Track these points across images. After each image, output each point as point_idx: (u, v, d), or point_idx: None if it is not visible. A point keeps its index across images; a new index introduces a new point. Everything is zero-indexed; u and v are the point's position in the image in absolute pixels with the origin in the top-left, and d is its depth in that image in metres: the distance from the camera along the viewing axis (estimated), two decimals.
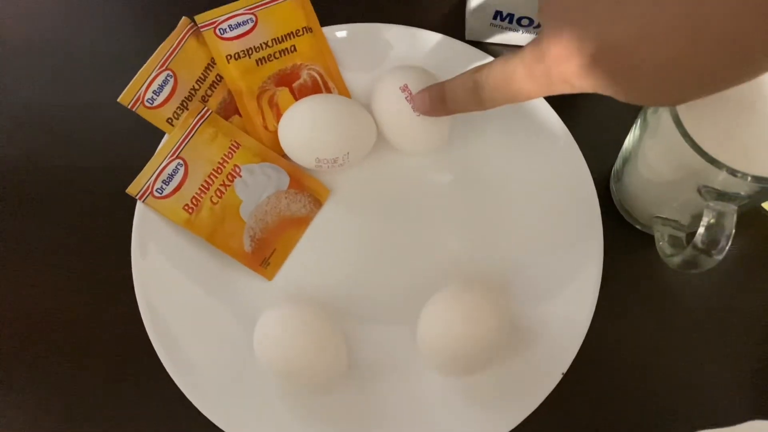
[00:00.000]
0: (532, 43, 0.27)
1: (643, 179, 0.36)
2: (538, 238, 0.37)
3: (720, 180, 0.30)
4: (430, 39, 0.41)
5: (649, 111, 0.34)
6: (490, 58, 0.40)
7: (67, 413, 0.37)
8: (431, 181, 0.40)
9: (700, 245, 0.31)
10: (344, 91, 0.41)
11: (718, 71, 0.22)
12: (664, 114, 0.31)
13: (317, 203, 0.39)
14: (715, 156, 0.29)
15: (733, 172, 0.29)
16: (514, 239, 0.38)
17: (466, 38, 0.44)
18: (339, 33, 0.41)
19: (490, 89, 0.30)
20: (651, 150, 0.34)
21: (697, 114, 0.30)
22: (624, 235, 0.39)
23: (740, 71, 0.22)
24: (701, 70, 0.22)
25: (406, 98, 0.37)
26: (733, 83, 0.23)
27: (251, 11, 0.39)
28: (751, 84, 0.31)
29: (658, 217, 0.37)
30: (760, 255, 0.39)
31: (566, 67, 0.25)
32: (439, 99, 0.33)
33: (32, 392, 0.38)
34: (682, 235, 0.36)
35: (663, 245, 0.35)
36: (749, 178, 0.29)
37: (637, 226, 0.40)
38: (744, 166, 0.29)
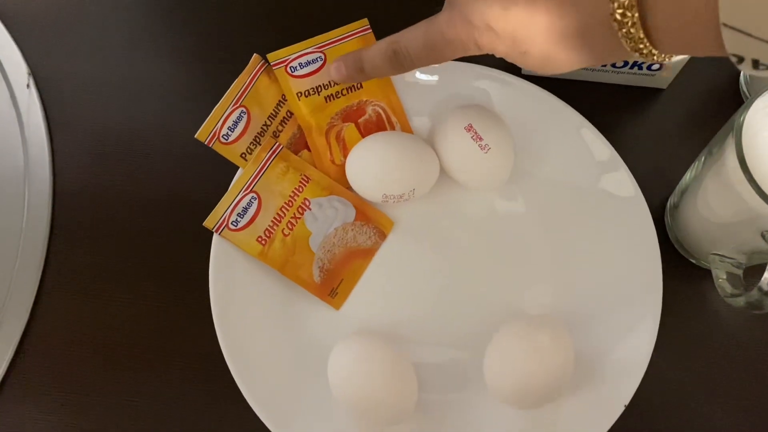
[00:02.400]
0: (445, 13, 0.30)
1: (701, 217, 0.38)
2: (601, 277, 0.39)
3: None
4: (491, 76, 0.42)
5: (715, 149, 0.35)
6: (553, 98, 0.41)
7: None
8: (494, 216, 0.41)
9: (766, 288, 0.32)
10: (407, 127, 0.42)
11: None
12: (730, 156, 0.32)
13: (382, 235, 0.41)
14: None
15: None
16: (577, 276, 0.39)
17: (523, 73, 0.45)
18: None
19: (410, 55, 0.32)
20: (712, 190, 0.36)
21: (763, 157, 0.32)
22: (679, 267, 0.40)
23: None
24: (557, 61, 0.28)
25: (471, 137, 0.38)
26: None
27: (320, 50, 0.41)
28: None
29: (715, 254, 0.38)
30: None
31: (481, 38, 0.29)
32: (356, 68, 0.35)
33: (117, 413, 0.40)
34: (739, 272, 0.37)
35: (723, 284, 0.36)
36: None
37: (692, 260, 0.41)
38: None
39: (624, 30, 0.25)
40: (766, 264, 0.32)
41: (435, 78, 0.42)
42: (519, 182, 0.41)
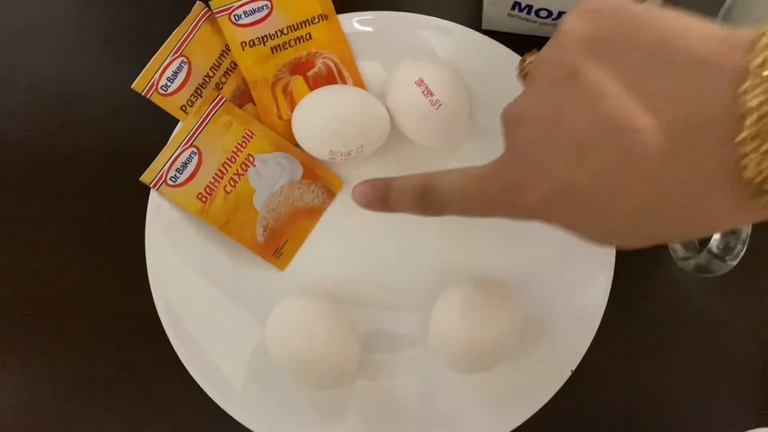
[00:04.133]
0: (496, 164, 0.26)
1: None
2: (551, 236, 0.37)
3: None
4: (447, 29, 0.40)
5: None
6: (506, 51, 0.39)
7: (74, 394, 0.38)
8: None
9: (714, 250, 0.31)
10: (359, 81, 0.40)
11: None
12: None
13: (330, 194, 0.39)
14: None
15: None
16: (526, 236, 0.38)
17: (483, 27, 0.43)
18: (355, 21, 0.40)
19: (442, 199, 0.28)
20: None
21: None
22: None
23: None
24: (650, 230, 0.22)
25: (422, 92, 0.37)
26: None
27: None
28: None
29: None
30: None
31: (527, 196, 0.24)
32: (381, 198, 0.30)
33: (42, 372, 0.38)
34: (693, 239, 0.36)
35: (676, 247, 0.35)
36: None
37: None
38: None
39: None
40: None
41: (388, 29, 0.40)
42: (473, 140, 0.40)
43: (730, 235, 0.31)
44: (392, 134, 0.39)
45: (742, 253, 0.31)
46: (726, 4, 0.38)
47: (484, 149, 0.40)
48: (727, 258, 0.31)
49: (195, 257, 0.37)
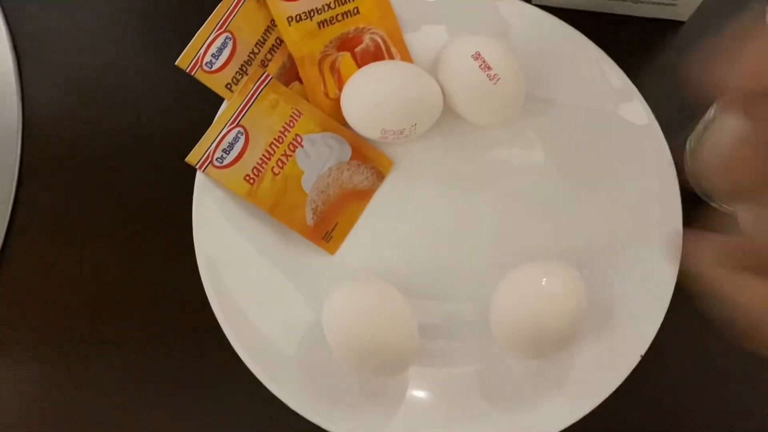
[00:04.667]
0: None
1: (722, 156, 0.35)
2: (616, 218, 0.36)
3: None
4: (498, 3, 0.38)
5: None
6: (559, 23, 0.37)
7: (124, 384, 0.37)
8: (501, 156, 0.38)
9: None
10: (407, 57, 0.39)
11: None
12: None
13: (380, 176, 0.38)
14: None
15: None
16: (590, 216, 0.36)
17: (535, 2, 0.42)
18: None
19: None
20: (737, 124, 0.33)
21: None
22: (700, 211, 0.38)
23: None
24: None
25: (479, 67, 0.35)
26: None
27: None
28: None
29: None
30: None
31: None
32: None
33: (93, 362, 0.37)
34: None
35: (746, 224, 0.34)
36: None
37: (713, 204, 0.38)
38: None
39: None
40: None
41: (439, 2, 0.38)
42: (529, 117, 0.38)
43: None
44: (444, 112, 0.37)
45: None
46: None
47: (537, 127, 0.38)
48: None
49: (243, 244, 0.36)
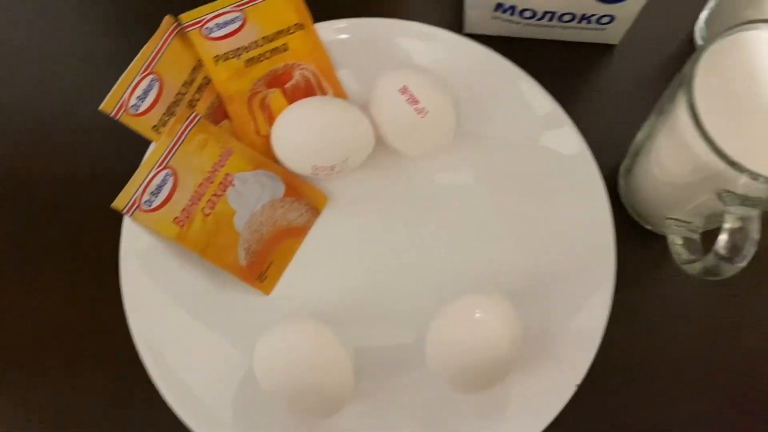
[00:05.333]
0: None
1: (655, 179, 0.35)
2: (550, 246, 0.36)
3: (741, 184, 0.29)
4: (428, 34, 0.38)
5: (666, 105, 0.32)
6: (490, 53, 0.38)
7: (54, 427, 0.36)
8: (434, 185, 0.38)
9: (721, 252, 0.29)
10: (339, 91, 0.39)
11: None
12: (682, 111, 0.29)
13: (315, 211, 0.38)
14: (736, 159, 0.28)
15: (755, 176, 0.28)
16: (523, 246, 0.36)
17: (465, 31, 0.42)
18: (333, 30, 0.38)
19: None
20: (666, 149, 0.33)
21: (717, 114, 0.29)
22: (633, 233, 0.38)
23: None
24: None
25: (407, 101, 0.35)
26: None
27: (239, 8, 0.37)
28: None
29: (671, 218, 0.35)
30: None
31: None
32: None
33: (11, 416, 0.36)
34: (696, 237, 0.35)
35: (679, 249, 0.34)
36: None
37: (647, 226, 0.38)
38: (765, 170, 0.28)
39: None
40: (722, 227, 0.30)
41: (368, 37, 0.39)
42: (461, 147, 0.38)
43: (738, 233, 0.29)
44: (376, 145, 0.37)
45: (751, 254, 0.29)
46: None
47: (469, 156, 0.38)
48: (734, 260, 0.30)
49: (174, 289, 0.35)
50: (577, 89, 0.41)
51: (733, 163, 0.28)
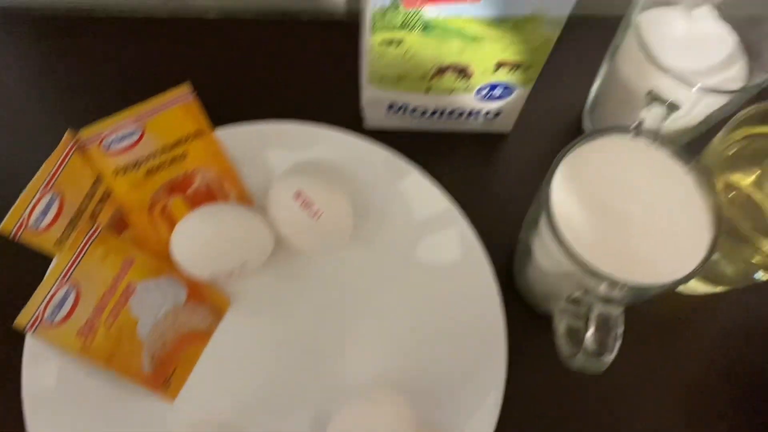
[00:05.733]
0: None
1: (537, 271, 0.37)
2: (445, 345, 0.37)
3: (602, 287, 0.31)
4: (325, 134, 0.40)
5: (533, 214, 0.34)
6: (390, 153, 0.40)
7: None
8: (334, 283, 0.39)
9: (589, 348, 0.31)
10: (241, 192, 0.40)
11: None
12: (545, 227, 0.31)
13: (218, 314, 0.39)
14: (595, 267, 0.30)
15: (613, 283, 0.30)
16: (420, 344, 0.38)
17: (366, 126, 0.44)
18: (232, 134, 0.40)
19: None
20: (539, 251, 0.35)
21: (575, 224, 0.31)
22: (527, 318, 0.39)
23: None
24: None
25: (300, 205, 0.36)
26: None
27: (138, 121, 0.38)
28: (625, 197, 0.31)
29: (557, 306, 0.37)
30: (672, 328, 0.40)
31: None
32: None
33: None
34: (580, 324, 0.36)
35: (562, 342, 0.35)
36: (626, 287, 0.29)
37: (538, 311, 0.40)
38: (623, 274, 0.30)
39: None
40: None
41: (268, 139, 0.40)
42: (359, 244, 0.39)
43: (603, 329, 0.31)
44: (278, 243, 0.38)
45: (616, 348, 0.31)
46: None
47: (367, 252, 0.40)
48: (602, 355, 0.31)
49: (79, 402, 0.35)
50: (473, 177, 0.43)
51: (593, 273, 0.30)
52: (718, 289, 0.40)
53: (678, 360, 0.40)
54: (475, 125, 0.43)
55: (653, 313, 0.40)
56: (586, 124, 0.44)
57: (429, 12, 0.32)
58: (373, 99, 0.40)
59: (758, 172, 0.38)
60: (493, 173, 0.44)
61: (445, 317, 0.38)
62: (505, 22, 0.33)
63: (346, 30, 0.44)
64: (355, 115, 0.44)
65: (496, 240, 0.39)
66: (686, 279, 0.30)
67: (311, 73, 0.46)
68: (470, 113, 0.41)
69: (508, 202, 0.42)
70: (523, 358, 0.37)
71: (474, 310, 0.37)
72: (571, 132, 0.45)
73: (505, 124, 0.43)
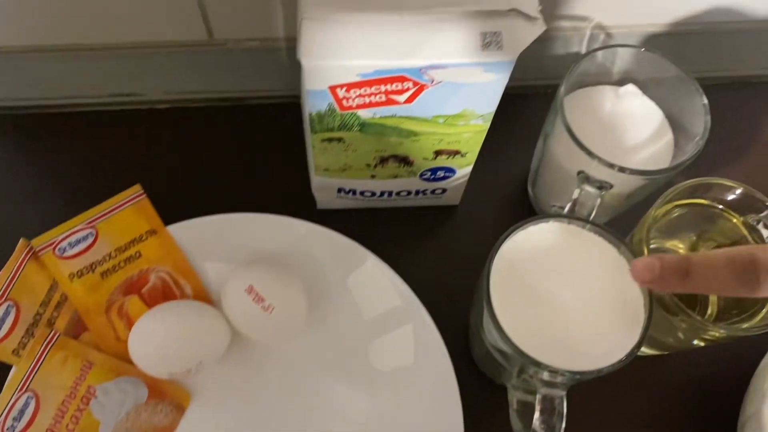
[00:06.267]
0: None
1: (485, 350, 0.38)
2: (402, 423, 0.38)
3: (543, 374, 0.32)
4: (278, 222, 0.41)
5: (476, 297, 0.35)
6: (344, 238, 0.41)
7: None
8: (291, 371, 0.40)
9: (539, 430, 0.32)
10: (198, 288, 0.41)
11: None
12: (486, 314, 0.33)
13: (179, 409, 0.39)
14: (532, 355, 0.31)
15: (552, 370, 0.31)
16: (379, 428, 0.38)
17: (318, 208, 0.45)
18: (186, 230, 0.41)
19: None
20: (487, 333, 0.36)
21: (514, 313, 0.32)
22: (487, 386, 0.40)
23: None
24: None
25: (253, 300, 0.37)
26: None
27: (90, 225, 0.39)
28: (562, 282, 0.33)
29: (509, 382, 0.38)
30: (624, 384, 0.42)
31: None
32: (678, 272, 0.28)
33: None
34: (532, 399, 0.37)
35: (514, 418, 0.36)
36: (566, 374, 0.31)
37: (497, 383, 0.41)
38: (561, 361, 0.31)
39: None
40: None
41: (221, 232, 0.41)
42: (315, 331, 0.40)
43: (548, 411, 0.32)
44: (235, 335, 0.39)
45: (562, 428, 0.32)
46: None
47: (324, 339, 0.41)
48: None
49: None
50: (427, 249, 0.45)
51: (532, 362, 0.31)
52: (665, 352, 0.41)
53: (630, 414, 0.41)
54: (425, 201, 0.45)
55: None
56: (530, 193, 0.46)
57: (364, 114, 0.34)
58: (322, 185, 0.42)
59: (693, 238, 0.40)
60: (446, 244, 0.45)
61: (402, 405, 0.39)
62: (437, 119, 0.34)
63: (296, 111, 0.45)
64: (308, 196, 0.45)
65: (453, 311, 0.40)
66: (623, 363, 0.31)
67: (263, 158, 0.47)
68: (417, 192, 0.43)
69: (461, 273, 0.44)
70: (481, 426, 0.38)
71: (432, 394, 0.38)
72: (519, 199, 0.46)
73: (453, 198, 0.45)
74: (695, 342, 0.36)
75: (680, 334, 0.36)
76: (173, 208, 0.41)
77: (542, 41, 0.45)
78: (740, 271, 0.26)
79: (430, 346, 0.39)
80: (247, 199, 0.43)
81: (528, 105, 0.46)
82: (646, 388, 0.42)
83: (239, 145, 0.47)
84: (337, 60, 0.29)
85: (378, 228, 0.45)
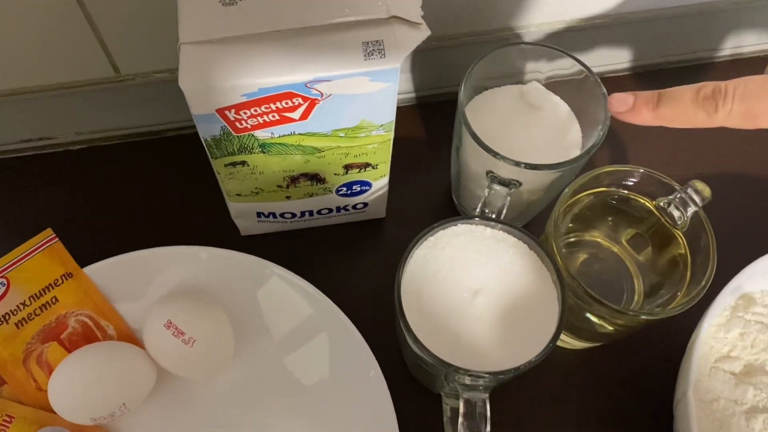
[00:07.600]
0: None
1: (413, 360, 0.37)
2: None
3: (464, 378, 0.31)
4: (196, 254, 0.41)
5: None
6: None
7: None
8: (222, 403, 0.39)
9: None
10: (121, 327, 0.40)
11: None
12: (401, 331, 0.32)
13: None
14: (447, 360, 0.31)
15: (471, 374, 0.30)
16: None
17: (242, 234, 0.44)
18: (102, 270, 0.40)
19: (739, 98, 0.28)
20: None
21: (430, 319, 0.32)
22: (422, 400, 0.40)
23: None
24: None
25: (173, 334, 0.36)
26: None
27: (1, 274, 0.38)
28: (476, 284, 0.33)
29: (442, 390, 0.37)
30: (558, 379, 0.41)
31: None
32: (649, 103, 0.31)
33: None
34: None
35: (447, 426, 0.36)
36: (486, 376, 0.30)
37: (434, 392, 0.40)
38: (478, 363, 0.31)
39: None
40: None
41: (139, 268, 0.40)
42: (243, 360, 0.40)
43: (471, 414, 0.32)
44: (163, 374, 0.38)
45: (487, 430, 0.32)
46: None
47: (252, 367, 0.40)
48: None
49: None
50: (356, 265, 0.44)
51: (451, 367, 0.30)
52: (597, 343, 0.41)
53: (567, 410, 0.41)
54: (349, 218, 0.44)
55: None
56: (455, 201, 0.46)
57: (262, 134, 0.33)
58: (240, 211, 0.41)
59: (610, 224, 0.40)
60: (375, 258, 0.45)
61: (335, 416, 0.38)
62: (337, 133, 0.34)
63: None
64: (232, 225, 0.44)
65: (389, 324, 0.39)
66: (540, 357, 0.31)
67: (182, 190, 0.46)
68: (339, 209, 0.42)
69: (393, 285, 0.43)
70: None
71: (363, 404, 0.38)
72: (446, 207, 0.46)
73: (377, 212, 0.45)
74: (610, 328, 0.36)
75: (597, 320, 0.36)
76: (91, 251, 0.40)
77: (451, 48, 0.46)
78: (702, 98, 0.29)
79: (354, 352, 0.38)
80: (170, 235, 0.43)
81: (443, 112, 0.46)
82: (583, 383, 0.42)
83: (158, 179, 0.47)
84: (217, 81, 0.29)
85: (305, 249, 0.44)
